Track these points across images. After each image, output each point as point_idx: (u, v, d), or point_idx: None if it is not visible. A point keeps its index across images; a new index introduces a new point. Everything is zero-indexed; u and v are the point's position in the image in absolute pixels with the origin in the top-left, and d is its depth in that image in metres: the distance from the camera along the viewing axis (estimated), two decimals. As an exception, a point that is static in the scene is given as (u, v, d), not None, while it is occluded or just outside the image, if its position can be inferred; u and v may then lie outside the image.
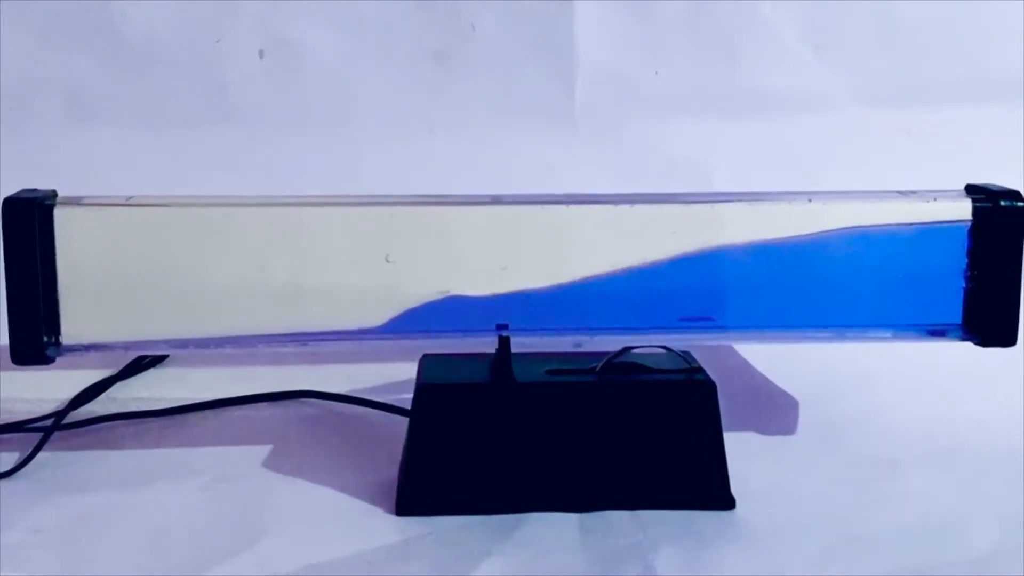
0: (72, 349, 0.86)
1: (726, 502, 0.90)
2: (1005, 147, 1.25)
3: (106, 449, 1.01)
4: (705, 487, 0.90)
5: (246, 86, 1.21)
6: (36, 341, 0.85)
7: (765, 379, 1.12)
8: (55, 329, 0.86)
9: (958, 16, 1.24)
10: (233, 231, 0.87)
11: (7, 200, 0.84)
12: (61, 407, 1.04)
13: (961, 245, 0.89)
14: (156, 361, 1.15)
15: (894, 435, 1.04)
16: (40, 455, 0.98)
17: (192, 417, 1.07)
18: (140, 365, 1.14)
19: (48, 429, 1.01)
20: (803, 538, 0.86)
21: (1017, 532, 0.86)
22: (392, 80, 1.22)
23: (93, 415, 1.05)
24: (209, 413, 1.07)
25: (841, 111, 1.25)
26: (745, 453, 0.93)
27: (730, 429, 0.91)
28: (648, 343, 0.92)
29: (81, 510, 0.90)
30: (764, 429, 1.06)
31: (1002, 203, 0.89)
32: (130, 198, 0.88)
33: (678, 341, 0.93)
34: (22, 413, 1.04)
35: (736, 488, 0.90)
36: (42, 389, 1.08)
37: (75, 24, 1.19)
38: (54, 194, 0.87)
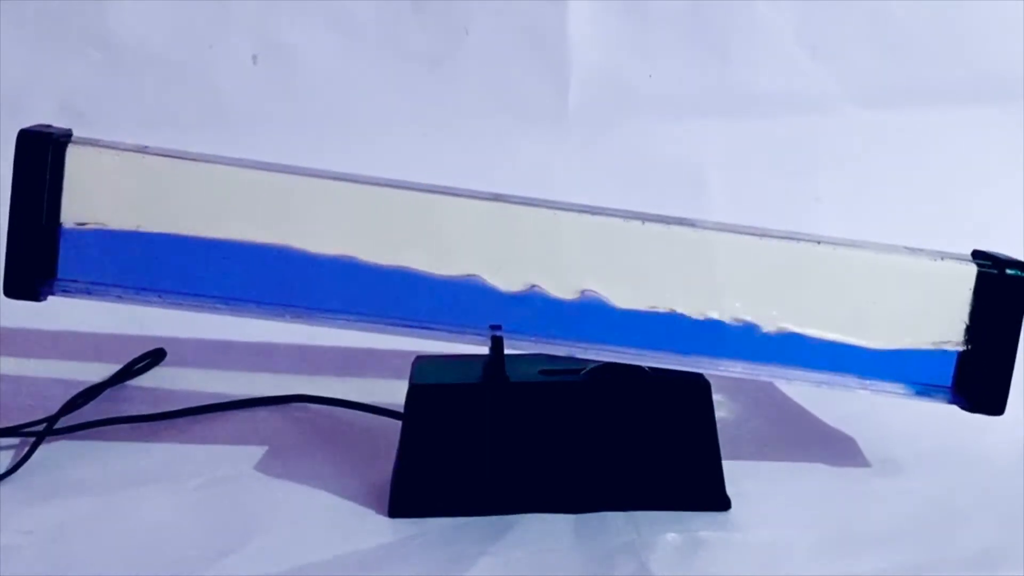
0: (65, 290, 0.86)
1: (721, 502, 0.89)
2: (1003, 149, 1.25)
3: (98, 453, 1.00)
4: (700, 487, 0.89)
5: (239, 91, 1.21)
6: (30, 276, 0.84)
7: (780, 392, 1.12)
8: (51, 268, 0.85)
9: (955, 16, 1.24)
10: (248, 193, 0.86)
11: (22, 132, 0.84)
12: (54, 411, 1.04)
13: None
14: (149, 366, 1.15)
15: (891, 432, 1.03)
16: (33, 459, 0.97)
17: (184, 421, 1.06)
18: (133, 371, 1.14)
19: (40, 433, 1.00)
20: (798, 538, 0.85)
21: (1015, 530, 0.86)
22: (385, 84, 1.22)
23: (86, 420, 1.05)
24: (202, 417, 1.07)
25: (837, 113, 1.25)
26: (740, 452, 0.92)
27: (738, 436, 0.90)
28: (643, 362, 0.89)
29: (73, 512, 0.89)
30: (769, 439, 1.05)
31: (1008, 272, 0.88)
32: (146, 147, 0.87)
33: (674, 365, 0.90)
34: (15, 417, 1.03)
35: (731, 488, 0.89)
36: (35, 393, 1.08)
37: (68, 28, 1.19)
38: (70, 132, 0.86)
